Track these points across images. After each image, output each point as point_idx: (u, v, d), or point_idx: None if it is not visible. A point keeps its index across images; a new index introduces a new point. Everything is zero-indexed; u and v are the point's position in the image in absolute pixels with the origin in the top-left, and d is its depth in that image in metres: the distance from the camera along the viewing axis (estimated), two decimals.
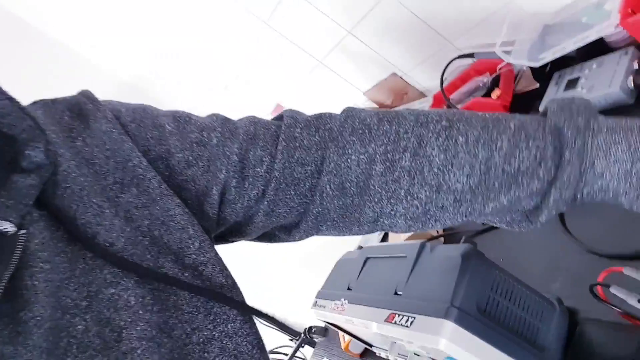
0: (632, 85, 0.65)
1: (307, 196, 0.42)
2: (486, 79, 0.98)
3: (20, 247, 0.30)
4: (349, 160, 0.40)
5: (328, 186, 0.41)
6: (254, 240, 0.47)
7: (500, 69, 0.96)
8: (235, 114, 0.46)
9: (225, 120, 0.43)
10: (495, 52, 0.85)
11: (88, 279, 0.32)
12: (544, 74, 0.87)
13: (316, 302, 0.76)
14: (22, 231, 0.30)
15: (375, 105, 1.42)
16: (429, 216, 0.41)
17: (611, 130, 0.36)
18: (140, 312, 0.33)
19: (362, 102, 1.44)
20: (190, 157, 0.40)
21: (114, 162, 0.37)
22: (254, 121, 0.43)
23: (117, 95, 0.44)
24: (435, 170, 0.39)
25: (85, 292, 0.32)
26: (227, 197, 0.41)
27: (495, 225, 0.44)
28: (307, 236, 0.45)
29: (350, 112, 0.43)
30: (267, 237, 0.47)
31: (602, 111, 0.70)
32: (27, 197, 0.31)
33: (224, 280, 0.38)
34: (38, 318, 0.29)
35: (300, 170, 0.41)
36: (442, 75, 1.00)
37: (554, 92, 0.79)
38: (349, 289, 0.69)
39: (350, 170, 0.41)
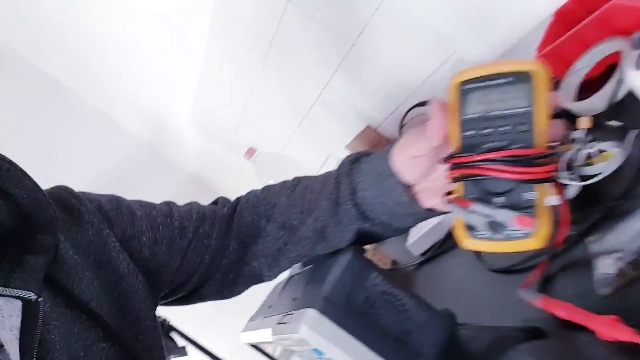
0: None
1: (225, 255, 0.57)
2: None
3: (42, 310, 0.38)
4: (244, 221, 0.58)
5: (234, 242, 0.57)
6: (182, 303, 0.61)
7: None
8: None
9: (179, 207, 0.58)
10: None
11: (84, 335, 0.42)
12: None
13: (245, 325, 0.76)
14: (41, 298, 0.39)
15: None
16: (281, 252, 0.55)
17: (365, 161, 0.50)
18: None
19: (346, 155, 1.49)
20: (157, 236, 0.53)
21: (94, 246, 0.47)
22: (201, 206, 0.59)
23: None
24: (281, 211, 0.55)
25: (82, 345, 0.42)
26: (183, 263, 0.54)
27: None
28: (215, 293, 0.60)
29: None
30: (190, 298, 0.60)
31: None
32: (39, 272, 0.40)
33: (160, 343, 0.50)
34: None
35: (227, 240, 0.57)
36: (401, 124, 1.05)
37: None
38: (270, 307, 0.70)
39: (242, 229, 0.57)
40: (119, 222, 0.51)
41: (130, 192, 0.60)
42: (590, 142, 0.50)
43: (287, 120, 1.53)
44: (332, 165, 1.40)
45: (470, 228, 0.36)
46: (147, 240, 0.52)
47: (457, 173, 0.37)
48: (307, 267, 0.64)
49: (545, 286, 0.48)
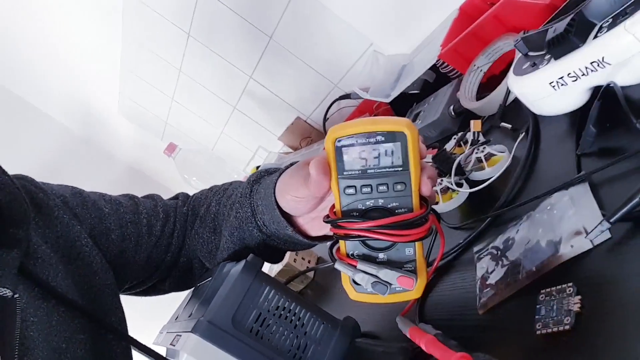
0: (454, 113, 0.67)
1: (182, 254, 0.58)
2: (364, 118, 1.00)
3: (20, 307, 0.37)
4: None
5: (189, 240, 0.58)
6: (138, 295, 0.62)
7: (375, 107, 0.99)
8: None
9: (144, 202, 0.57)
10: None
11: (63, 327, 0.41)
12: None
13: (156, 336, 0.73)
14: (17, 295, 0.38)
15: (291, 150, 1.43)
16: (212, 255, 0.55)
17: (263, 184, 0.49)
18: (91, 352, 0.44)
19: (279, 147, 1.46)
20: (126, 234, 0.53)
21: (63, 241, 0.46)
22: (163, 201, 0.59)
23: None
24: (212, 216, 0.55)
25: (63, 337, 0.41)
26: (148, 261, 0.55)
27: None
28: (174, 287, 0.61)
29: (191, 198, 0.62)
30: (149, 291, 0.61)
31: (435, 140, 0.72)
32: (13, 267, 0.38)
33: (128, 335, 0.51)
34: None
35: (185, 239, 0.58)
36: (325, 117, 1.02)
37: None
38: (176, 319, 0.66)
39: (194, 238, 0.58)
40: (86, 218, 0.50)
41: (71, 184, 0.56)
42: (481, 144, 0.50)
43: (217, 111, 1.47)
44: (262, 156, 1.38)
45: (357, 283, 0.38)
46: (115, 238, 0.52)
47: (340, 232, 0.37)
48: (208, 279, 0.62)
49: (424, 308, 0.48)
